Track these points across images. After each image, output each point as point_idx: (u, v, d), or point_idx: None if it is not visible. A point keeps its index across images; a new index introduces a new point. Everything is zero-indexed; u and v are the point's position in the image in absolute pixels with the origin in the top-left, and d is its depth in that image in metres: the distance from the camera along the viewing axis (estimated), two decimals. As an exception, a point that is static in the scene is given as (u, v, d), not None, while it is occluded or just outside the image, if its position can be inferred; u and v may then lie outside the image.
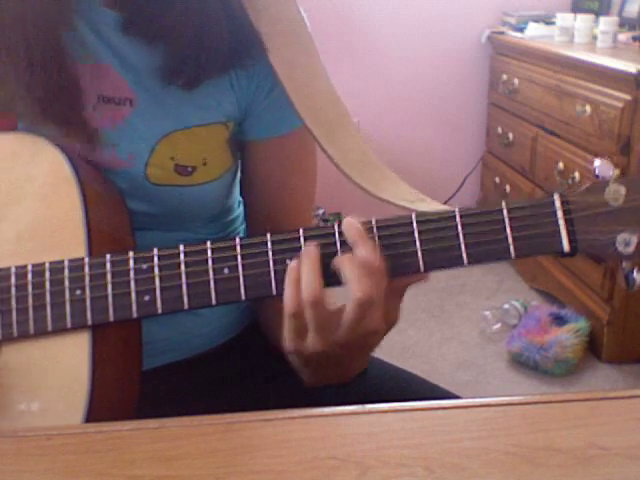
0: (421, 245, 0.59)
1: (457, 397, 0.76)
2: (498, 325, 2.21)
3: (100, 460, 0.48)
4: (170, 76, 0.69)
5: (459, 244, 0.59)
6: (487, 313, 2.24)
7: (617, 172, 0.59)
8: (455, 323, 2.29)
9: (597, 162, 0.59)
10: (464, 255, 0.59)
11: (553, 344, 1.96)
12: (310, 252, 0.59)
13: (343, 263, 0.59)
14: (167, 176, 0.71)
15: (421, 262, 0.59)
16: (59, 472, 0.47)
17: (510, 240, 0.58)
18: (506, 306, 2.24)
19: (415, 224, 0.59)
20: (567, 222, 0.58)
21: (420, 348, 2.15)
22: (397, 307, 0.62)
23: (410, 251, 0.59)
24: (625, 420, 0.50)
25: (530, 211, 0.59)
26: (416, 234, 0.59)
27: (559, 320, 2.09)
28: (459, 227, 0.59)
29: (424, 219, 0.59)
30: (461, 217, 0.59)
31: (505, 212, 0.59)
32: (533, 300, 2.32)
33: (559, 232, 0.58)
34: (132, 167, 0.70)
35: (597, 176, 0.59)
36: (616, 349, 2.01)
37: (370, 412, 0.52)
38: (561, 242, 0.58)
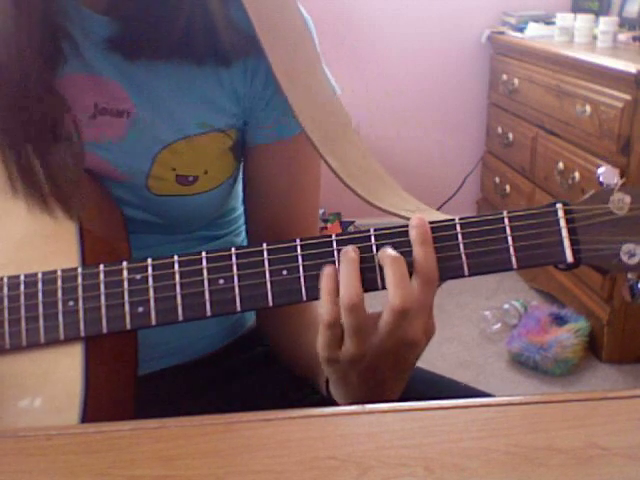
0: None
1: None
2: (498, 325, 2.21)
3: (100, 460, 0.48)
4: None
5: (459, 254, 0.57)
6: (487, 313, 2.24)
7: (622, 180, 0.57)
8: (455, 323, 2.29)
9: (601, 169, 0.57)
10: (465, 266, 0.57)
11: (553, 344, 1.96)
12: (349, 255, 0.56)
13: (386, 261, 0.56)
14: (169, 187, 0.71)
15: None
16: (59, 472, 0.47)
17: (512, 251, 0.56)
18: (506, 306, 2.24)
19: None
20: (570, 231, 0.56)
21: (420, 348, 2.15)
22: (432, 317, 0.59)
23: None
24: (625, 420, 0.50)
25: (531, 220, 0.57)
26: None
27: (559, 320, 2.09)
28: (459, 237, 0.57)
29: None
30: (461, 227, 0.57)
31: (506, 221, 0.57)
32: (533, 300, 2.32)
33: (562, 242, 0.56)
34: (133, 179, 0.70)
35: (601, 183, 0.57)
36: (616, 349, 2.01)
37: (370, 412, 0.52)
38: (564, 252, 0.56)
